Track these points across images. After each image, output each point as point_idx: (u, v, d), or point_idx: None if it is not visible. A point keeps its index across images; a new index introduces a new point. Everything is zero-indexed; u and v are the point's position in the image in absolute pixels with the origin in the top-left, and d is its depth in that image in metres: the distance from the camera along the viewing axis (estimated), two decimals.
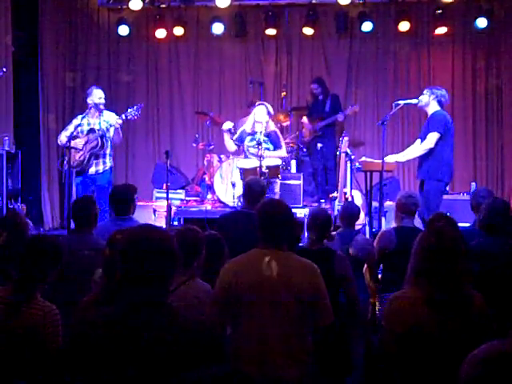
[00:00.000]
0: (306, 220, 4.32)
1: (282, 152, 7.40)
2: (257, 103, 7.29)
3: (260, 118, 7.03)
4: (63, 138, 6.87)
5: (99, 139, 6.78)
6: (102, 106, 6.90)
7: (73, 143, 6.71)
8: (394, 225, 4.95)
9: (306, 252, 3.74)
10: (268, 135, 7.14)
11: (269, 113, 7.12)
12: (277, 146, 7.23)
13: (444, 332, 2.55)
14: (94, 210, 4.21)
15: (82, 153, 6.81)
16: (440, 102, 6.28)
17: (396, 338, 2.62)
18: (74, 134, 6.74)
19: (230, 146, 7.54)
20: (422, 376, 2.59)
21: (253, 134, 7.05)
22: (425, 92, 6.36)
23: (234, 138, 7.46)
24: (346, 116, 9.01)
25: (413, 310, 2.60)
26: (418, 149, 6.32)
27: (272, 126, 7.29)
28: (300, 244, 4.31)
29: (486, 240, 4.06)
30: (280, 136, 7.39)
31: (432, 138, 6.14)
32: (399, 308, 2.65)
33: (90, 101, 6.94)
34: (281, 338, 2.91)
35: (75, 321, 2.78)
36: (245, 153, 7.23)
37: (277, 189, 7.09)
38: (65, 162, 6.77)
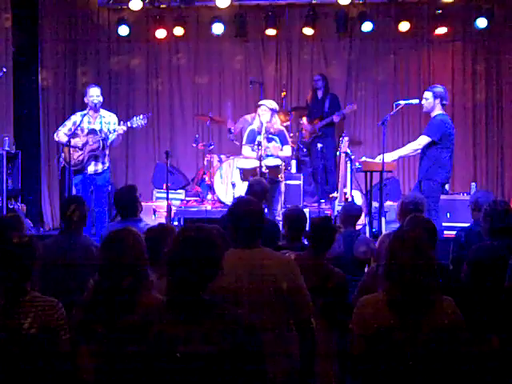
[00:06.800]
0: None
1: (287, 150, 7.25)
2: (259, 103, 7.23)
3: (264, 118, 6.97)
4: (62, 134, 6.87)
5: (101, 142, 6.78)
6: (98, 105, 6.86)
7: (73, 142, 6.72)
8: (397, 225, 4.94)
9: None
10: (276, 133, 7.09)
11: (272, 110, 7.05)
12: (284, 143, 7.18)
13: (406, 334, 2.61)
14: (84, 210, 4.18)
15: (81, 152, 6.81)
16: (443, 104, 6.34)
17: (364, 341, 2.66)
18: (73, 129, 6.75)
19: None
20: (389, 379, 2.63)
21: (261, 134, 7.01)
22: (428, 95, 6.34)
23: (244, 140, 7.37)
24: (344, 115, 9.01)
25: (376, 313, 2.66)
26: (406, 147, 6.60)
27: (278, 123, 7.23)
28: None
29: None
30: (286, 133, 7.34)
31: (422, 140, 6.33)
32: (364, 311, 2.70)
33: (86, 100, 6.95)
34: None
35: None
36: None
37: (282, 188, 7.08)
38: (61, 159, 6.78)
